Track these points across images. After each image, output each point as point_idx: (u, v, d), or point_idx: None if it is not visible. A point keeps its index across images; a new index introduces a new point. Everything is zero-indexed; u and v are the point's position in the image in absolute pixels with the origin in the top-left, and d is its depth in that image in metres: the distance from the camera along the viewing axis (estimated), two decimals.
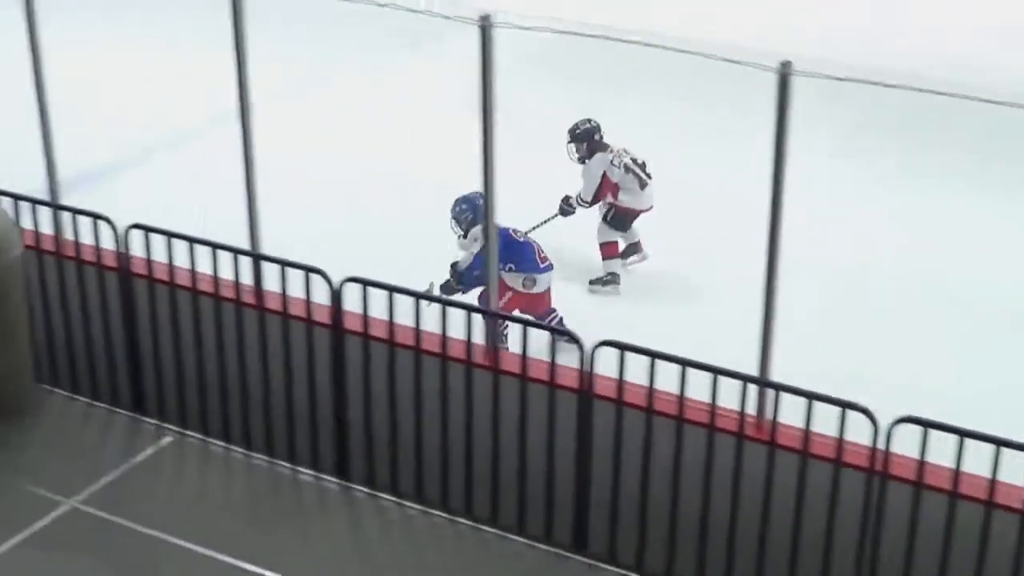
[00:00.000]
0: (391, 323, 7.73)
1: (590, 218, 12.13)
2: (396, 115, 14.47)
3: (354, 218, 12.36)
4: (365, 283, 7.71)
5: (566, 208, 12.17)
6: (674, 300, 11.48)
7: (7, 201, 8.63)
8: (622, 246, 12.09)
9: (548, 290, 10.95)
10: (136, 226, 8.32)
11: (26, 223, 8.70)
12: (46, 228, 8.85)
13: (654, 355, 7.06)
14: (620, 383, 7.20)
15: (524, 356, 7.44)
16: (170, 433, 8.48)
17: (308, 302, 7.89)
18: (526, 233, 11.14)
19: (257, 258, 8.23)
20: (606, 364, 7.21)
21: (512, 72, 7.52)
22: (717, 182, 12.86)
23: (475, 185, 7.82)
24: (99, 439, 8.60)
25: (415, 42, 15.14)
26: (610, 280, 11.83)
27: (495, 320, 7.98)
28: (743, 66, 6.73)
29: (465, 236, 10.89)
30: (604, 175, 11.95)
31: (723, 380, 6.95)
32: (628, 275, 11.91)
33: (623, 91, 14.45)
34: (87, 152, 12.18)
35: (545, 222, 11.92)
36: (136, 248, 8.38)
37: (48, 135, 9.00)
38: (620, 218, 12.06)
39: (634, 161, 11.99)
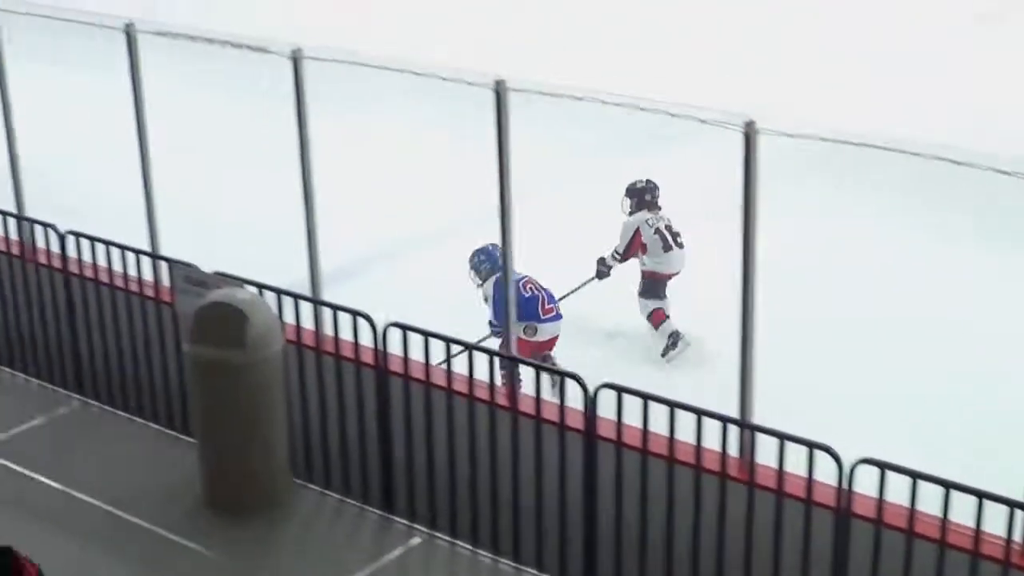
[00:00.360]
0: (645, 431, 7.87)
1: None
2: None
3: (607, 322, 12.66)
4: (620, 389, 7.89)
5: (601, 269, 12.95)
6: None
7: (271, 295, 9.09)
8: (666, 310, 12.70)
9: (553, 339, 11.83)
10: (394, 324, 8.69)
11: (288, 317, 9.14)
12: (307, 322, 9.26)
13: (916, 475, 7.05)
14: (880, 502, 7.20)
15: (780, 470, 7.50)
16: (419, 534, 8.73)
17: (562, 406, 8.11)
18: (565, 296, 12.26)
19: (512, 360, 8.48)
20: (865, 482, 7.25)
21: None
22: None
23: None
24: (349, 537, 8.89)
25: (657, 143, 15.43)
26: (673, 343, 12.52)
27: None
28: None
29: (484, 284, 12.01)
30: (637, 231, 12.75)
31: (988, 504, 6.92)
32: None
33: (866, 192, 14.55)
34: (349, 243, 12.69)
35: (583, 285, 12.76)
36: (394, 346, 8.75)
37: (312, 230, 9.44)
38: (649, 284, 12.82)
39: (668, 228, 12.79)
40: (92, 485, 9.12)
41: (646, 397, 7.84)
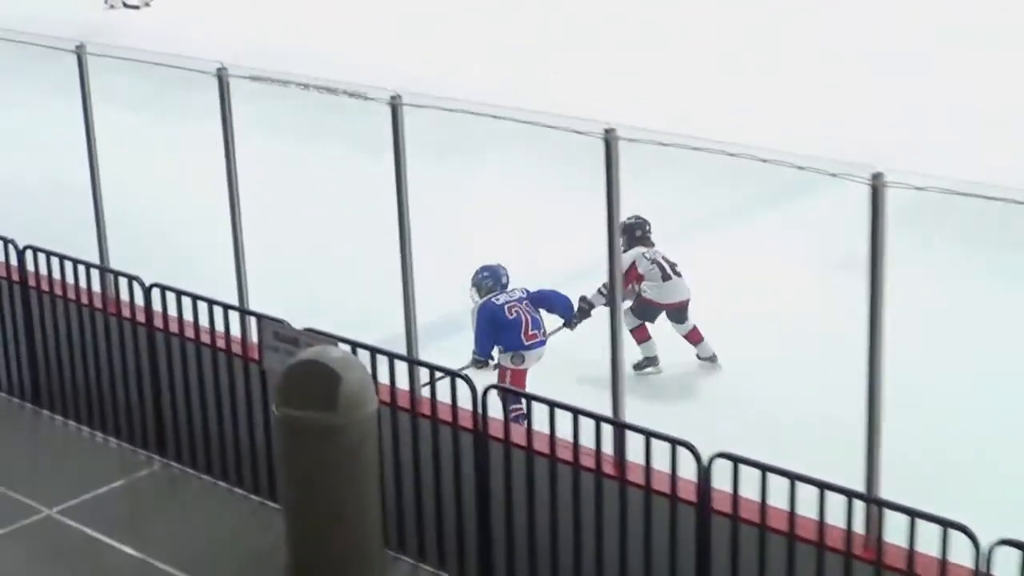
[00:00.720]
0: (763, 504, 7.65)
1: None
2: (766, 271, 14.60)
3: (727, 385, 12.49)
4: (736, 460, 7.68)
5: (583, 307, 12.97)
6: None
7: (364, 354, 8.96)
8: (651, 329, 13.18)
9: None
10: (494, 386, 8.54)
11: (382, 377, 8.99)
12: (402, 382, 9.11)
13: None
14: None
15: (911, 550, 7.25)
16: None
17: (673, 476, 7.90)
18: (549, 335, 12.22)
19: (621, 427, 8.30)
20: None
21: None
22: None
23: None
24: None
25: (777, 195, 15.43)
26: (647, 363, 13.09)
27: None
28: None
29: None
30: (633, 265, 13.07)
31: None
32: None
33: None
34: (449, 296, 12.64)
35: (558, 329, 12.74)
36: (492, 408, 8.59)
37: (409, 284, 9.30)
38: (643, 308, 13.19)
39: (665, 259, 13.26)
40: (171, 552, 9.06)
41: (764, 468, 7.62)
